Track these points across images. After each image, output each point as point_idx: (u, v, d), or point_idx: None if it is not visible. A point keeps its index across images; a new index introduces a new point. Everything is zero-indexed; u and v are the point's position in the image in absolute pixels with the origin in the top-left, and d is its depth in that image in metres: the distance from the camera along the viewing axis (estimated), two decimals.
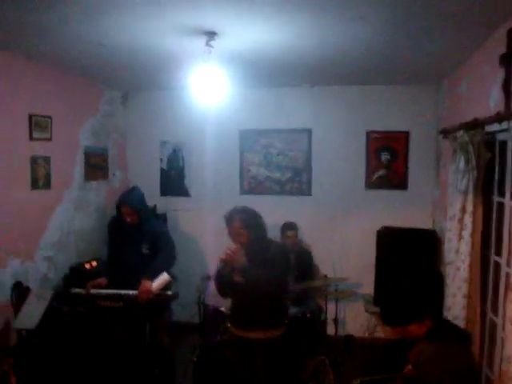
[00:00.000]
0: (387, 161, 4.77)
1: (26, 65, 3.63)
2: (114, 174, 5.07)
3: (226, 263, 2.88)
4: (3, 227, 3.40)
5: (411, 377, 2.38)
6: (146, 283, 3.37)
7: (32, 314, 3.27)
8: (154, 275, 3.43)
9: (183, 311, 4.67)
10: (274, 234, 4.40)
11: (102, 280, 3.50)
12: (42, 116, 3.78)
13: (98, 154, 4.75)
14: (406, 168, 4.76)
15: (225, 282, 3.01)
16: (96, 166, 4.70)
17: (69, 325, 3.42)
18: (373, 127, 4.79)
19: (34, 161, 3.69)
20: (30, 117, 3.64)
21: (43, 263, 3.89)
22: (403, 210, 4.74)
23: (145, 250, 3.58)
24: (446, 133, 3.36)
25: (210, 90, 3.03)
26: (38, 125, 3.71)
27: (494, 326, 2.83)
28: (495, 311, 2.80)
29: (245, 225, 2.91)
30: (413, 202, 4.74)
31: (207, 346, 3.74)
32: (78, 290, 3.47)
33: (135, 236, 3.61)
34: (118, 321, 3.38)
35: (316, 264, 4.80)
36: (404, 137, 4.73)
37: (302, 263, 4.51)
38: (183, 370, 4.01)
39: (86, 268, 4.15)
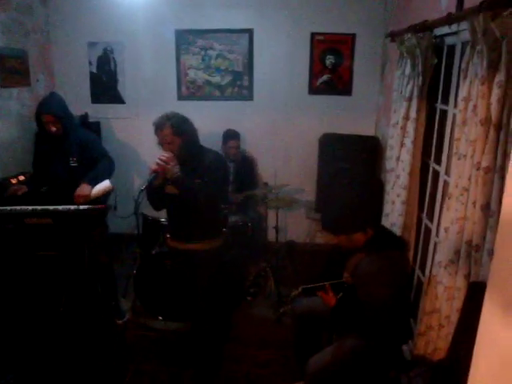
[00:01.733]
0: (332, 65, 4.58)
1: None
2: (37, 80, 4.60)
3: (158, 174, 2.71)
4: None
5: (349, 284, 2.44)
6: (84, 187, 3.20)
7: None
8: (93, 181, 3.26)
9: (123, 222, 4.54)
10: (214, 140, 4.27)
11: (20, 188, 3.26)
12: None
13: (15, 56, 4.20)
14: (351, 73, 4.60)
15: (157, 194, 2.86)
16: (14, 70, 4.18)
17: None
18: (318, 29, 4.51)
19: None
20: None
21: None
22: (347, 117, 4.66)
23: (73, 162, 3.33)
24: (393, 36, 3.21)
25: None
26: None
27: (428, 232, 2.91)
28: (430, 218, 2.86)
29: (176, 132, 2.69)
30: (357, 109, 4.66)
31: (147, 257, 3.69)
32: (4, 208, 3.22)
33: (61, 148, 3.32)
34: (49, 238, 3.20)
35: (257, 172, 4.73)
36: (350, 39, 4.51)
37: (244, 172, 4.43)
38: (125, 282, 4.01)
39: (12, 183, 3.86)
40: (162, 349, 3.32)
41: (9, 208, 3.20)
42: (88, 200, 3.22)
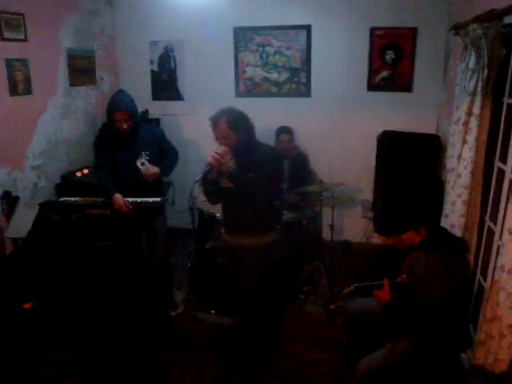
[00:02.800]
0: (392, 60, 4.44)
1: None
2: (102, 78, 4.81)
3: (213, 167, 2.74)
4: None
5: (404, 284, 2.36)
6: (155, 168, 3.38)
7: (22, 222, 3.25)
8: (163, 171, 3.47)
9: (180, 217, 4.66)
10: (271, 137, 4.28)
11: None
12: (11, 13, 3.41)
13: (84, 56, 4.44)
14: (412, 69, 4.43)
15: (212, 187, 2.89)
16: (82, 69, 4.41)
17: (61, 233, 3.39)
18: (377, 23, 4.38)
19: (9, 63, 3.42)
20: None
21: (32, 172, 3.80)
22: (407, 114, 4.50)
23: (145, 156, 3.40)
24: (457, 28, 3.05)
25: None
26: (8, 23, 3.37)
27: (491, 234, 2.75)
28: (494, 219, 2.71)
29: (232, 127, 2.70)
30: (417, 106, 4.48)
31: (201, 251, 3.75)
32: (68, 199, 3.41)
33: (133, 143, 3.39)
34: (109, 229, 3.33)
35: (313, 169, 4.67)
36: (411, 34, 4.34)
37: (297, 168, 4.39)
38: (180, 275, 4.11)
39: (77, 176, 4.06)
40: (214, 342, 3.37)
41: (73, 199, 3.37)
42: (155, 177, 3.41)
